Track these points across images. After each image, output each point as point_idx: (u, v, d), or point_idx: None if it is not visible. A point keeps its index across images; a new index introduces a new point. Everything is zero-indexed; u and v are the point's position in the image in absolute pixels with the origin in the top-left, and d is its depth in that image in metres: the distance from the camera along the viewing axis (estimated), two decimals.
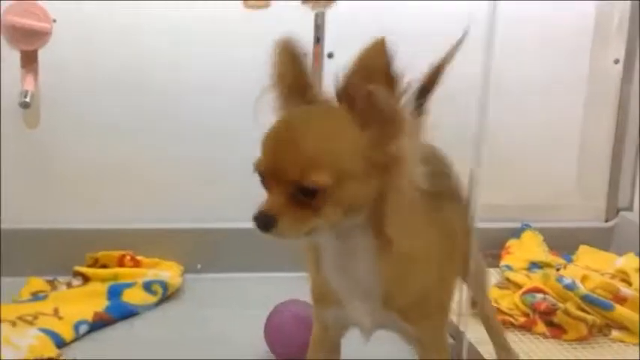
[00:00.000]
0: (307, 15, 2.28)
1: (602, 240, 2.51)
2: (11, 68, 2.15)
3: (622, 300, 1.95)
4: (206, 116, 2.35)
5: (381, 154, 1.06)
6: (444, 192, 1.28)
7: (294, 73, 1.14)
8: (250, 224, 2.39)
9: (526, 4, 2.30)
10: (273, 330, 1.80)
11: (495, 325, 1.70)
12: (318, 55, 2.31)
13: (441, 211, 1.23)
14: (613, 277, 2.14)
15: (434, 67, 1.35)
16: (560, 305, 1.90)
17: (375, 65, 1.03)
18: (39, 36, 2.06)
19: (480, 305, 1.65)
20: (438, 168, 1.35)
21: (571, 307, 1.91)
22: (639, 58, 2.45)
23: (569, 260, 2.37)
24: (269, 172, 1.08)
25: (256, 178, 2.35)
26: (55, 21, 2.13)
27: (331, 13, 2.27)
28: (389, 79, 1.03)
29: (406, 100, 1.07)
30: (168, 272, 2.22)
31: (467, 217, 1.32)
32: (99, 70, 2.27)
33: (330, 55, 2.29)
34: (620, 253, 2.39)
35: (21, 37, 2.10)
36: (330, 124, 1.08)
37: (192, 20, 2.27)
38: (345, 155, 1.05)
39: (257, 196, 2.36)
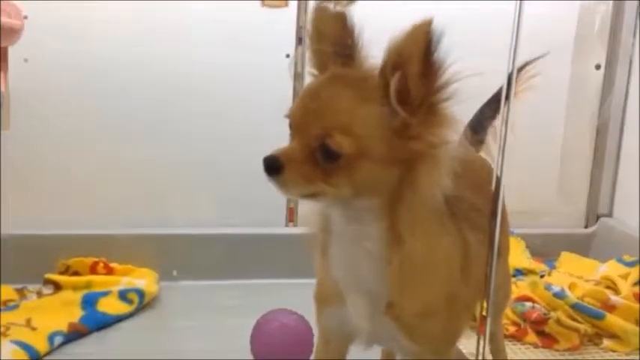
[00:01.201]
0: (290, 15, 2.23)
1: (582, 246, 2.51)
2: None
3: (611, 308, 1.93)
4: (181, 120, 2.29)
5: (405, 146, 1.02)
6: (474, 218, 1.23)
7: (342, 32, 1.11)
8: (228, 229, 2.34)
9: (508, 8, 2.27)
10: (260, 340, 1.73)
11: (501, 346, 1.66)
12: (300, 56, 2.26)
13: (463, 234, 1.18)
14: (598, 284, 2.13)
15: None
16: (552, 314, 1.87)
17: (412, 49, 0.97)
18: (10, 33, 1.95)
19: (491, 325, 1.60)
20: (477, 188, 1.30)
21: (562, 316, 1.88)
22: (629, 64, 2.44)
23: (552, 267, 2.35)
24: (297, 122, 1.06)
25: (234, 183, 2.32)
26: (26, 17, 2.02)
27: None
28: (427, 66, 0.98)
29: (447, 94, 1.01)
30: (144, 280, 2.13)
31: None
32: (73, 72, 2.19)
33: None
34: (600, 259, 2.39)
35: None
36: (366, 98, 1.04)
37: (167, 21, 2.20)
38: (372, 134, 1.02)
39: (235, 201, 2.32)
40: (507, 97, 1.21)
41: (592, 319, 1.90)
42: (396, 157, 1.03)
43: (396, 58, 1.00)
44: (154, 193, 2.31)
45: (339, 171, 1.03)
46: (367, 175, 1.04)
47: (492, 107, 1.57)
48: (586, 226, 2.58)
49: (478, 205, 1.33)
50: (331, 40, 1.13)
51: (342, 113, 1.03)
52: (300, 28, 2.24)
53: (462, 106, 1.06)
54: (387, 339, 1.23)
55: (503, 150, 1.19)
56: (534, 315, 1.89)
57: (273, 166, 1.04)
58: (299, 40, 2.24)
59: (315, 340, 1.69)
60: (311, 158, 1.03)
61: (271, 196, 2.25)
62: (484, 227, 1.32)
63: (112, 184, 2.28)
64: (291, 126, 1.09)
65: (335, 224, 1.14)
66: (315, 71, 1.18)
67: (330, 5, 1.15)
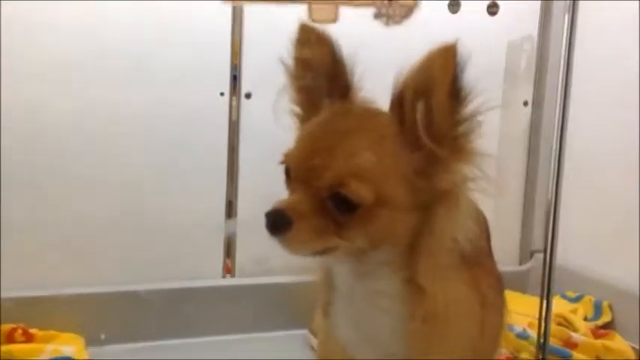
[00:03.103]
0: (223, 51, 2.10)
1: (519, 283, 2.49)
2: None
3: (573, 346, 1.91)
4: (105, 169, 2.08)
5: (427, 186, 0.92)
6: (482, 261, 1.15)
7: (333, 65, 1.00)
8: (159, 284, 2.16)
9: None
10: None
11: None
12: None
13: (478, 280, 1.10)
14: None
15: None
16: (522, 356, 1.82)
17: (437, 76, 0.88)
18: None
19: None
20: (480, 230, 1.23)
21: (528, 357, 1.83)
22: (560, 100, 2.47)
23: None
24: (301, 169, 0.93)
25: (164, 234, 2.14)
26: None
27: (251, 51, 2.10)
28: (452, 95, 0.88)
29: (471, 128, 0.92)
30: (71, 347, 1.91)
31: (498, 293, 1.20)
32: None
33: (248, 96, 2.11)
34: (538, 295, 2.38)
35: None
36: (381, 136, 0.93)
37: (79, 56, 1.99)
38: (391, 176, 0.91)
39: (165, 253, 2.14)
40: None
41: (558, 358, 1.86)
42: (418, 200, 0.93)
43: (419, 86, 0.90)
44: (75, 249, 2.08)
45: (354, 222, 0.91)
46: (387, 224, 0.93)
47: None
48: (520, 263, 2.57)
49: (482, 246, 1.26)
50: (320, 73, 1.02)
51: (356, 156, 0.91)
52: (235, 66, 2.10)
53: None
54: None
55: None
56: (503, 358, 1.83)
57: (280, 223, 0.90)
58: (234, 78, 2.11)
59: None
60: (321, 210, 0.91)
61: (204, 246, 2.14)
62: (492, 270, 1.25)
63: (27, 239, 2.03)
64: (288, 173, 0.96)
65: (341, 282, 1.03)
66: (298, 109, 1.06)
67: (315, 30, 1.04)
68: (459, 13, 2.28)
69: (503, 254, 2.57)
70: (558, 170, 1.43)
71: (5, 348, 1.86)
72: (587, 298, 2.21)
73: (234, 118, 2.13)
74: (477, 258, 1.14)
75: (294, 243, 0.92)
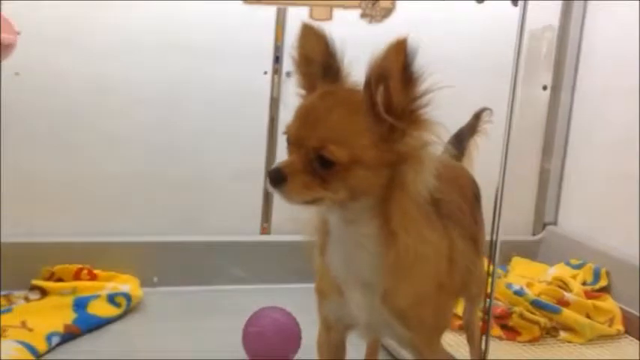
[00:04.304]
0: (268, 34, 2.37)
1: (530, 251, 2.71)
2: None
3: (566, 304, 2.14)
4: (162, 131, 2.39)
5: (392, 149, 1.16)
6: (456, 215, 1.38)
7: (327, 56, 1.23)
8: (205, 237, 2.44)
9: (457, 30, 2.49)
10: (253, 336, 1.85)
11: (476, 336, 1.81)
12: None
13: (449, 230, 1.32)
14: (550, 284, 2.33)
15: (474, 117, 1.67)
16: (516, 309, 2.06)
17: (392, 64, 1.11)
18: (7, 49, 2.02)
19: (467, 315, 1.78)
20: (459, 191, 1.46)
21: (523, 310, 2.07)
22: (572, 85, 2.68)
23: (505, 270, 2.54)
24: (295, 137, 1.18)
25: (209, 191, 2.42)
26: (19, 33, 2.09)
27: (293, 34, 2.35)
28: (406, 78, 1.12)
29: (426, 102, 1.14)
30: (128, 285, 2.23)
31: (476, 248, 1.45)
32: (62, 86, 2.27)
33: (289, 74, 2.37)
34: (547, 263, 2.60)
35: None
36: (355, 111, 1.17)
37: (140, 33, 2.29)
38: (361, 143, 1.15)
39: (210, 209, 2.43)
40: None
41: (550, 313, 2.10)
42: (385, 160, 1.17)
43: (378, 73, 1.13)
44: (133, 202, 2.40)
45: (335, 177, 1.15)
46: (361, 178, 1.17)
47: (471, 127, 1.77)
48: (533, 234, 2.79)
49: (461, 205, 1.49)
50: (318, 62, 1.25)
51: (335, 126, 1.16)
52: (277, 47, 2.37)
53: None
54: (383, 328, 1.35)
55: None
56: (499, 310, 2.07)
57: (278, 178, 1.15)
58: (276, 59, 2.38)
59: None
60: (310, 168, 1.15)
61: (245, 205, 2.42)
62: (466, 224, 1.48)
63: (91, 193, 2.35)
64: (288, 141, 1.21)
65: (333, 227, 1.26)
66: (302, 91, 1.30)
67: (313, 28, 1.28)
68: (484, 3, 2.49)
69: (518, 225, 2.79)
70: (506, 155, 1.64)
71: (71, 284, 2.19)
72: (588, 265, 2.42)
73: (275, 94, 2.41)
74: (452, 212, 1.38)
75: (288, 194, 1.17)
